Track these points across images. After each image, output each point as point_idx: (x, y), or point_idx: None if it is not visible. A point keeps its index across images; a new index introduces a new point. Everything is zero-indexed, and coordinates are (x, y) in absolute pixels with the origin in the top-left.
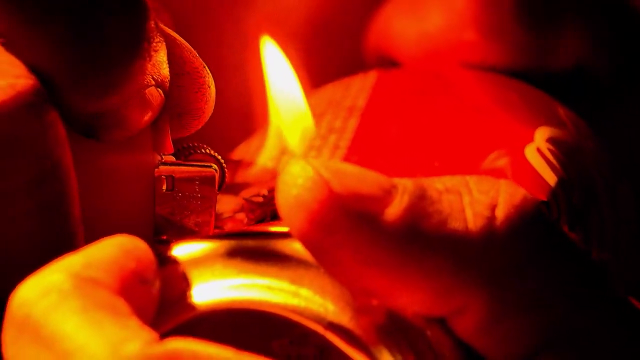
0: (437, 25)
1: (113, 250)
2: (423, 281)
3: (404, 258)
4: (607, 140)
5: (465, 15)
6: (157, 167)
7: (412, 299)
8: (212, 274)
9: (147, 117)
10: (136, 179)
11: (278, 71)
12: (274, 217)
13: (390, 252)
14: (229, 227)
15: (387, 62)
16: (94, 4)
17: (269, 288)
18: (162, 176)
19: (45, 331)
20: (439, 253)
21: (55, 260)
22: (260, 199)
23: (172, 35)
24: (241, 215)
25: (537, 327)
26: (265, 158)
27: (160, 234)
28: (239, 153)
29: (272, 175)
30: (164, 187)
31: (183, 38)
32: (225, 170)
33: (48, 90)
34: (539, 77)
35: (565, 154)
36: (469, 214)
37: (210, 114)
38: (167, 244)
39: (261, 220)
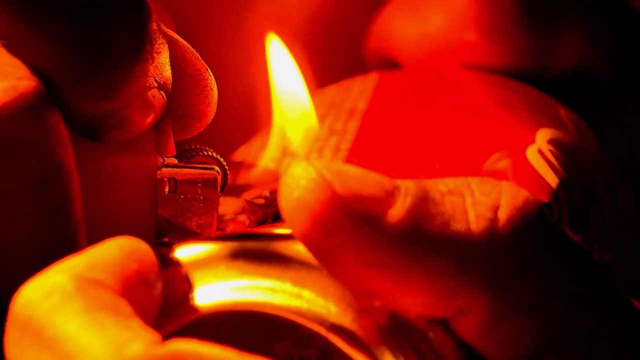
0: (438, 26)
1: (116, 252)
2: (425, 283)
3: (406, 259)
4: (607, 141)
5: (466, 16)
6: (160, 169)
7: (415, 301)
8: (214, 275)
9: (150, 119)
10: (138, 181)
11: (282, 69)
12: (276, 218)
13: (392, 253)
14: (230, 229)
15: (387, 64)
16: (95, 4)
17: (272, 290)
18: (165, 178)
19: (48, 332)
20: (442, 254)
21: (58, 261)
22: (262, 201)
23: (174, 37)
24: (243, 217)
25: (539, 328)
26: (266, 160)
27: (163, 236)
28: (239, 155)
29: (274, 177)
30: (166, 190)
31: (183, 39)
32: (227, 172)
33: (50, 92)
34: (540, 78)
35: (566, 155)
36: (471, 215)
37: (212, 116)
38: (169, 246)
39: (263, 222)
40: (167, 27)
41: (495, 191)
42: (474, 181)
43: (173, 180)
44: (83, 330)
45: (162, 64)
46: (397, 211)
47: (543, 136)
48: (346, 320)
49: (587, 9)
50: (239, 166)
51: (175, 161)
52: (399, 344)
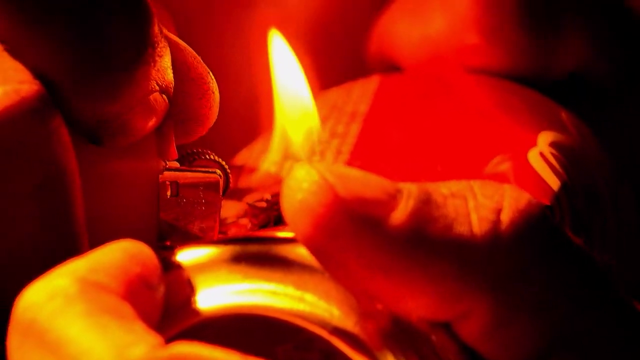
0: (439, 29)
1: (118, 255)
2: (428, 286)
3: (409, 262)
4: (607, 141)
5: (467, 19)
6: (162, 173)
7: (417, 304)
8: (216, 279)
9: (152, 123)
10: (140, 185)
11: (285, 68)
12: (278, 222)
13: (395, 256)
14: (232, 232)
15: (389, 66)
16: (95, 5)
17: (274, 293)
18: (167, 182)
19: (50, 336)
20: (444, 257)
21: (60, 264)
22: (264, 204)
23: (176, 41)
24: (245, 221)
25: (541, 331)
26: (268, 163)
27: (165, 239)
28: (241, 158)
29: (275, 180)
30: (169, 193)
31: (184, 40)
32: (229, 175)
33: (52, 96)
34: (541, 79)
35: (567, 158)
36: (474, 218)
37: (214, 120)
38: (172, 250)
39: (265, 225)
40: (167, 27)
41: (497, 194)
42: (476, 184)
43: (175, 184)
44: (86, 333)
45: (164, 68)
46: (399, 214)
47: (545, 139)
48: (349, 323)
49: (587, 10)
50: (241, 169)
51: (177, 165)
52: (401, 347)
